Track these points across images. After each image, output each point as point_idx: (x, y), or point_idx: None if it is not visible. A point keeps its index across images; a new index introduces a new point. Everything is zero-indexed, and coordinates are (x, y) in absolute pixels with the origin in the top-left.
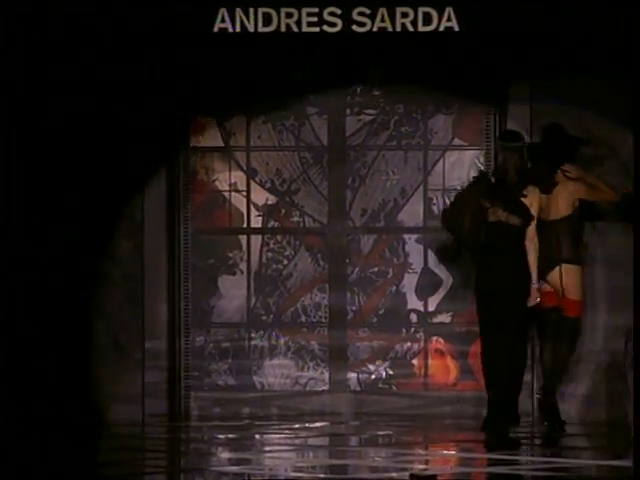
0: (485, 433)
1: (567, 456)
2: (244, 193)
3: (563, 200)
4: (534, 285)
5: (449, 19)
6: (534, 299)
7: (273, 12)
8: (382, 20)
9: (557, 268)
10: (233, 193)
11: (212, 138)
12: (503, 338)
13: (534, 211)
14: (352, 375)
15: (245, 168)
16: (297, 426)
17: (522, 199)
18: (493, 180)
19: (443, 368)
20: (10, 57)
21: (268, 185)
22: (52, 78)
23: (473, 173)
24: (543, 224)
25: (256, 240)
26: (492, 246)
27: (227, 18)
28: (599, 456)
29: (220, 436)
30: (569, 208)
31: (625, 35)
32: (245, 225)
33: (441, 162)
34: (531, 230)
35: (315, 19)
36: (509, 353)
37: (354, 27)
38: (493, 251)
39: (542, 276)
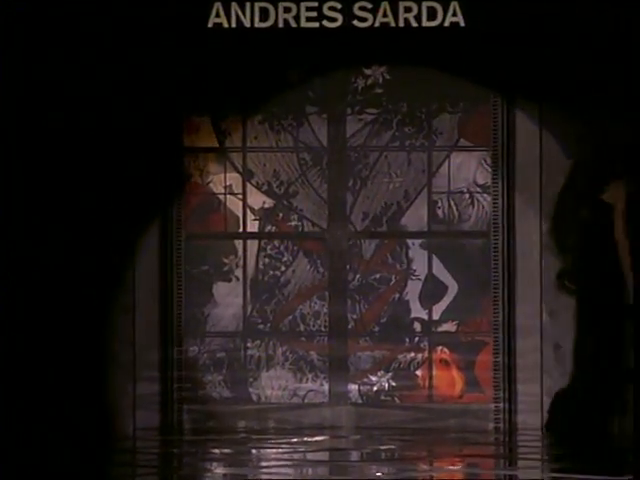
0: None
1: None
2: (240, 196)
3: None
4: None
5: (454, 14)
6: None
7: (270, 7)
8: (384, 15)
9: None
10: (228, 196)
11: (206, 138)
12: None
13: (620, 206)
14: (353, 387)
15: (241, 170)
16: (295, 440)
17: (603, 196)
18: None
19: (448, 379)
20: (10, 57)
21: (265, 188)
22: (51, 78)
23: (480, 175)
24: None
25: (252, 245)
26: (583, 244)
27: (222, 13)
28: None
29: (215, 451)
30: None
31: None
32: (241, 229)
33: (446, 163)
34: (618, 226)
35: (314, 14)
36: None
37: (355, 22)
38: (585, 250)
39: None
